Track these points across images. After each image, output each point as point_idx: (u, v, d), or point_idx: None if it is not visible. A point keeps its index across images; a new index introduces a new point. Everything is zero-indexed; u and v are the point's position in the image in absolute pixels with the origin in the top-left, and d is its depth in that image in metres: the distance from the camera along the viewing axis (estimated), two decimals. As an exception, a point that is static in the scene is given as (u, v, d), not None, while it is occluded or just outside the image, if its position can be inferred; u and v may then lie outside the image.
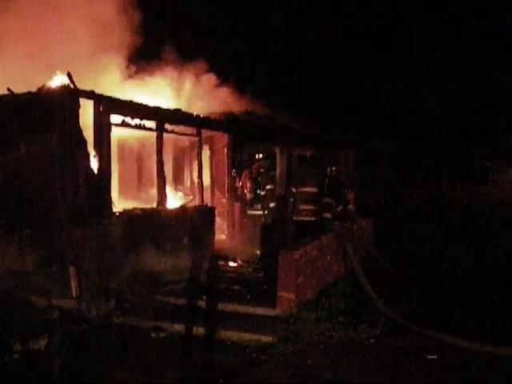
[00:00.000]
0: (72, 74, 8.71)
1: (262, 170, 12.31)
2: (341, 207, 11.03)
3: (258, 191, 12.14)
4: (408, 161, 25.44)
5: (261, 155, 12.44)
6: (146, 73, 12.19)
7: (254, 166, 12.53)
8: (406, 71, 27.10)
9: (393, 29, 26.94)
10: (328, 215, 10.62)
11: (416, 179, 24.15)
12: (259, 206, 12.09)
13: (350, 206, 11.13)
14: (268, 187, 12.01)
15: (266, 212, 11.92)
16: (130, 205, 10.38)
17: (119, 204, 10.35)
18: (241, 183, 12.98)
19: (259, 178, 12.28)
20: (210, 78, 13.81)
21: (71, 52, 10.07)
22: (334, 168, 11.21)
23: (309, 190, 10.98)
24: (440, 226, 15.83)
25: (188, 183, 14.01)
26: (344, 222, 10.97)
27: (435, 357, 6.58)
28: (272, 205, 11.89)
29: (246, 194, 12.62)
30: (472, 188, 23.03)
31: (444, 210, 20.07)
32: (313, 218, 10.91)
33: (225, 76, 14.54)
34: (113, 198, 9.74)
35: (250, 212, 12.28)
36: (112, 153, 9.50)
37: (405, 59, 27.24)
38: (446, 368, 6.26)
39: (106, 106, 9.01)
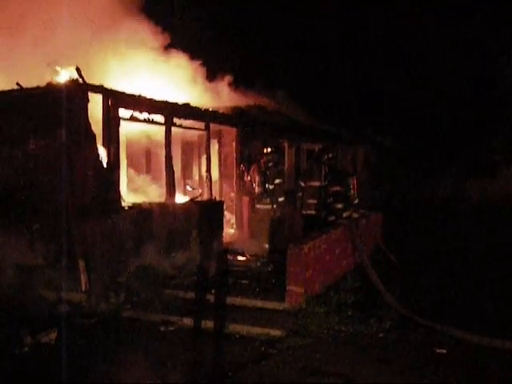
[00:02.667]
0: (80, 67, 8.74)
1: (270, 164, 12.28)
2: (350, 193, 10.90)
3: (267, 185, 12.11)
4: (418, 156, 25.32)
5: (269, 149, 12.41)
6: (158, 64, 12.23)
7: (262, 160, 12.51)
8: (416, 66, 26.95)
9: (403, 22, 26.77)
10: (339, 205, 10.53)
11: (426, 174, 24.07)
12: (268, 200, 12.07)
13: (352, 192, 10.97)
14: (277, 181, 11.99)
15: (274, 206, 11.91)
16: (138, 199, 10.41)
17: (128, 198, 10.37)
18: (249, 177, 12.97)
19: (268, 172, 12.26)
20: (220, 72, 13.85)
21: (80, 44, 10.09)
22: (329, 155, 11.08)
23: (316, 184, 10.94)
24: (450, 220, 15.76)
25: (197, 177, 14.05)
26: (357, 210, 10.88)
27: (445, 351, 6.55)
28: (281, 199, 11.87)
29: (254, 188, 12.60)
30: (481, 182, 22.89)
31: (453, 204, 20.01)
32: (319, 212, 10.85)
33: (235, 70, 14.56)
34: (122, 192, 9.77)
35: (258, 206, 12.26)
36: (121, 147, 9.52)
37: (414, 53, 27.11)
38: (455, 362, 6.24)
39: (115, 100, 9.04)
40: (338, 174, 11.06)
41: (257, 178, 12.48)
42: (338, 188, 10.59)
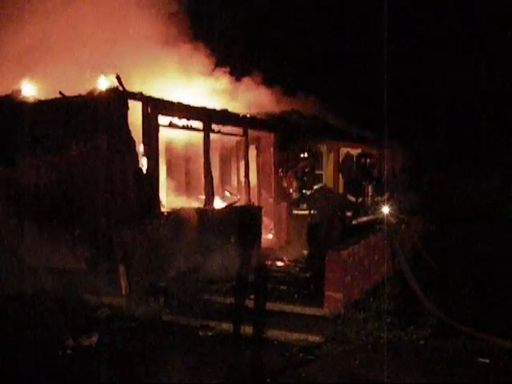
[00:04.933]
0: (121, 75, 8.89)
1: (307, 170, 12.25)
2: (360, 199, 10.74)
3: (304, 191, 12.08)
4: (459, 159, 24.84)
5: (306, 154, 12.38)
6: (195, 72, 12.33)
7: (298, 166, 12.48)
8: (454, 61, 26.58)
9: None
10: (348, 213, 10.44)
11: (468, 177, 23.54)
12: (305, 205, 12.04)
13: (363, 199, 10.77)
14: (316, 187, 11.95)
15: (312, 211, 11.86)
16: (177, 205, 10.52)
17: (167, 204, 10.50)
18: (286, 183, 12.95)
19: (304, 178, 12.23)
20: (257, 78, 13.88)
21: (119, 53, 10.26)
22: (368, 160, 10.94)
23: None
24: (493, 225, 15.38)
25: (235, 183, 14.10)
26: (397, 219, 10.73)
27: (487, 361, 6.39)
28: (320, 204, 11.81)
29: (292, 194, 12.58)
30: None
31: (497, 208, 19.52)
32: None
33: (271, 76, 14.57)
34: (162, 198, 9.90)
35: (295, 212, 12.23)
36: (161, 153, 9.64)
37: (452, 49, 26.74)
38: (499, 372, 6.09)
39: (154, 107, 9.17)
40: (352, 182, 10.91)
41: (294, 184, 12.45)
42: (351, 196, 10.51)
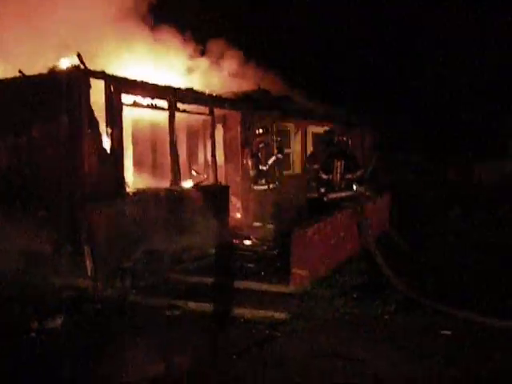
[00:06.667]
0: (84, 55, 8.71)
1: (261, 146, 12.28)
2: (330, 176, 10.68)
3: (260, 167, 12.14)
4: (427, 139, 25.10)
5: (261, 130, 12.38)
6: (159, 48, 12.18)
7: (254, 142, 12.49)
8: (428, 47, 26.73)
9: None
10: (322, 189, 10.43)
11: (436, 157, 23.83)
12: (263, 181, 12.09)
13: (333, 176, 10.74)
14: (270, 161, 12.01)
15: (270, 186, 11.90)
16: (145, 185, 10.44)
17: (135, 184, 10.40)
18: (245, 161, 12.94)
19: (259, 154, 12.28)
20: (224, 55, 13.77)
21: (81, 30, 10.05)
22: (338, 137, 10.87)
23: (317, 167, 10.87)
24: (460, 203, 15.58)
25: (202, 162, 14.02)
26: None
27: (449, 332, 6.52)
28: (278, 180, 11.84)
29: (249, 171, 12.61)
30: (493, 163, 22.57)
31: (463, 187, 19.81)
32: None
33: (239, 53, 14.46)
34: (128, 178, 9.79)
35: (255, 188, 12.27)
36: (127, 133, 9.52)
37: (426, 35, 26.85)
38: (460, 344, 6.21)
39: (117, 85, 9.02)
40: (327, 158, 10.83)
41: (249, 161, 12.48)
42: (323, 174, 10.49)
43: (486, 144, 24.65)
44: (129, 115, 10.06)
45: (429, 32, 26.94)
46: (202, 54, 13.61)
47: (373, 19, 27.21)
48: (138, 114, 10.69)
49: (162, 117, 10.79)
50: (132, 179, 10.76)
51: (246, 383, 5.36)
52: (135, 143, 11.80)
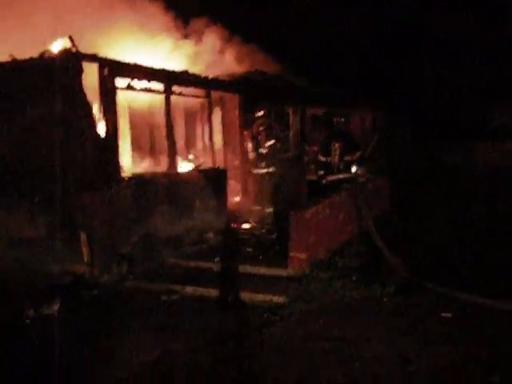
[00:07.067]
0: (77, 38, 8.57)
1: (261, 128, 12.14)
2: (329, 159, 10.53)
3: (260, 150, 12.01)
4: (426, 122, 24.92)
5: (261, 112, 12.24)
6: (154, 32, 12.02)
7: (253, 125, 12.35)
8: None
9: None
10: (321, 172, 10.30)
11: (435, 139, 23.70)
12: (263, 164, 11.96)
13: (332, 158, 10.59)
14: (268, 144, 11.88)
15: (270, 170, 11.77)
16: (143, 169, 10.34)
17: (131, 169, 10.29)
18: (245, 144, 12.82)
19: (259, 137, 12.15)
20: (219, 37, 13.58)
21: (73, 14, 9.91)
22: (336, 118, 10.71)
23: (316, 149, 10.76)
24: (459, 186, 15.46)
25: (200, 146, 13.87)
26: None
27: (449, 315, 6.45)
28: (277, 163, 11.70)
29: (249, 154, 12.48)
30: (491, 146, 22.45)
31: (462, 169, 19.70)
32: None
33: (234, 34, 14.28)
34: (126, 163, 9.68)
35: (254, 171, 12.15)
36: (124, 118, 9.38)
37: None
38: (460, 325, 6.15)
39: (111, 69, 8.87)
40: (325, 140, 10.68)
41: (249, 144, 12.35)
42: (321, 156, 10.36)
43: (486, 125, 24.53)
44: (126, 99, 9.92)
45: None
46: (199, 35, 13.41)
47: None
48: (136, 97, 10.54)
49: (160, 100, 10.64)
50: (130, 164, 10.65)
51: (244, 368, 5.29)
52: (133, 127, 11.66)
